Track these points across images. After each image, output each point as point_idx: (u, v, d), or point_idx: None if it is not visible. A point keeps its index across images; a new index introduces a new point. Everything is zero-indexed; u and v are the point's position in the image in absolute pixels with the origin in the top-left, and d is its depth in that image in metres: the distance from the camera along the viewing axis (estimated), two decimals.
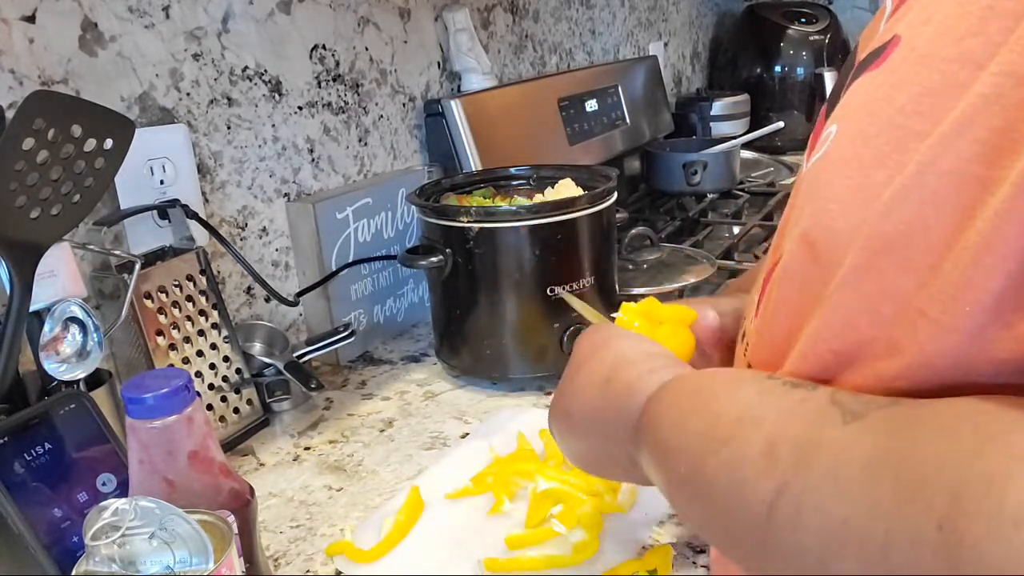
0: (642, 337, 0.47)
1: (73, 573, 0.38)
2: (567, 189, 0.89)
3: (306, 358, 0.84)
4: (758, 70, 1.95)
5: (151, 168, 0.76)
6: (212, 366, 0.76)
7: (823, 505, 0.27)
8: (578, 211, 0.81)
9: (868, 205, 0.30)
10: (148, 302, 0.71)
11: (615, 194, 0.86)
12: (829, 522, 0.26)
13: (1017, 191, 0.25)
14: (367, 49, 1.02)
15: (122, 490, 0.53)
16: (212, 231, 0.78)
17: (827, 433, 0.28)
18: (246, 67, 0.87)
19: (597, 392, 0.44)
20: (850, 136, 0.33)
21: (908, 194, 0.28)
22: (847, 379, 0.31)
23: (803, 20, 1.93)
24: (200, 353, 0.75)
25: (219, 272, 0.85)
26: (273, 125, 0.91)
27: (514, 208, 0.81)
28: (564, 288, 0.80)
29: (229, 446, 0.76)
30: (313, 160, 0.96)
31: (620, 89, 1.48)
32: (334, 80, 0.98)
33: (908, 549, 0.24)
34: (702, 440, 0.33)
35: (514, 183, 0.98)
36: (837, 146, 0.33)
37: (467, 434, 0.77)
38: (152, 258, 0.73)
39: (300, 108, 0.94)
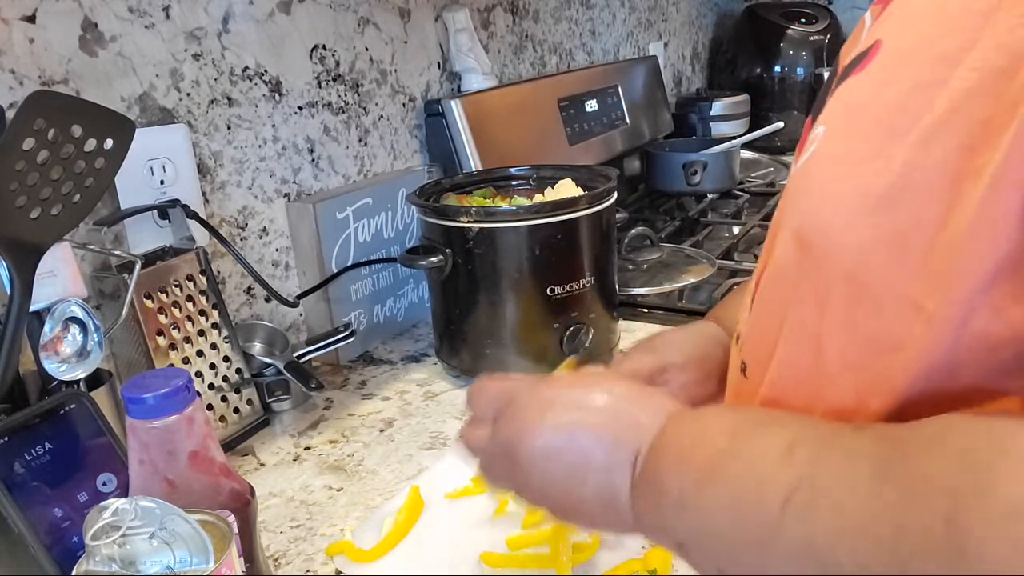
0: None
1: (73, 573, 0.38)
2: (567, 189, 0.89)
3: (306, 358, 0.84)
4: (758, 70, 1.95)
5: (151, 168, 0.76)
6: (212, 366, 0.76)
7: (836, 499, 0.27)
8: (578, 211, 0.81)
9: (859, 199, 0.30)
10: (148, 302, 0.71)
11: (615, 194, 0.86)
12: (841, 516, 0.27)
13: (999, 179, 0.26)
14: (367, 49, 1.02)
15: (122, 490, 0.53)
16: (212, 231, 0.78)
17: (840, 437, 0.30)
18: (246, 67, 0.87)
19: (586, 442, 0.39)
20: (838, 135, 0.33)
21: (897, 188, 0.29)
22: (848, 380, 0.31)
23: (803, 20, 1.93)
24: (200, 353, 0.75)
25: (219, 272, 0.85)
26: (273, 125, 0.91)
27: (514, 208, 0.81)
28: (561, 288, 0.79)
29: (229, 446, 0.76)
30: (313, 160, 0.96)
31: (620, 89, 1.48)
32: (334, 80, 0.98)
33: (918, 543, 0.25)
34: (724, 442, 0.34)
35: (514, 183, 0.98)
36: (826, 145, 0.34)
37: None
38: (152, 258, 0.73)
39: (300, 108, 0.94)
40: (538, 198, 0.90)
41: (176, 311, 0.73)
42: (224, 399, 0.77)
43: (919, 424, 0.28)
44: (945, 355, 0.28)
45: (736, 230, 1.30)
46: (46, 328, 0.58)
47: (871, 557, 0.26)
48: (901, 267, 0.29)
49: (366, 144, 1.04)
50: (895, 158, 0.29)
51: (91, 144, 0.56)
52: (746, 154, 1.70)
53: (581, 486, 0.38)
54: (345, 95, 1.00)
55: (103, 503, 0.38)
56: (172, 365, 0.72)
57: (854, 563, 0.26)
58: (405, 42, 1.08)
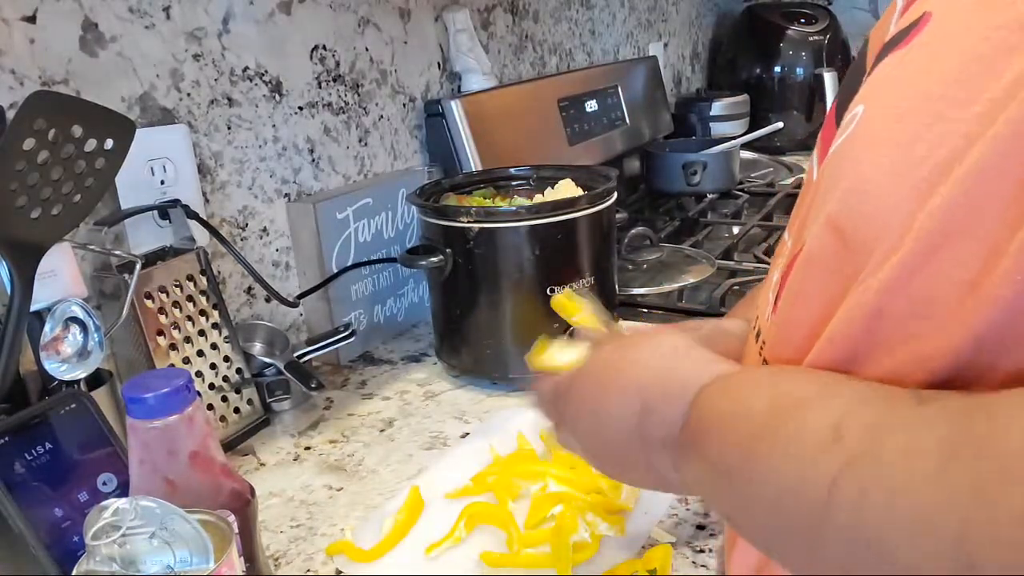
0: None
1: (74, 573, 0.38)
2: (567, 189, 0.89)
3: (306, 358, 0.84)
4: (757, 70, 1.95)
5: (152, 168, 0.76)
6: (213, 366, 0.76)
7: (892, 487, 0.24)
8: (578, 211, 0.81)
9: (904, 184, 0.28)
10: (149, 302, 0.71)
11: (615, 194, 0.86)
12: (898, 507, 0.24)
13: None
14: (367, 49, 1.02)
15: (123, 490, 0.53)
16: (212, 231, 0.78)
17: (900, 412, 0.26)
18: (246, 67, 0.87)
19: (637, 386, 0.41)
20: (879, 115, 0.31)
21: (955, 166, 0.26)
22: (879, 360, 0.29)
23: (802, 20, 1.93)
24: (200, 353, 0.75)
25: (219, 272, 0.85)
26: (273, 125, 0.91)
27: (514, 208, 0.81)
28: (561, 288, 0.80)
29: (229, 446, 0.76)
30: (313, 160, 0.96)
31: (620, 89, 1.48)
32: (334, 80, 0.98)
33: (987, 543, 0.22)
34: (763, 417, 0.31)
35: (514, 183, 0.98)
36: (865, 126, 0.31)
37: (467, 434, 0.77)
38: (153, 258, 0.73)
39: (300, 108, 0.94)
40: (538, 198, 0.90)
41: (176, 311, 0.73)
42: (224, 399, 0.77)
43: (992, 399, 0.24)
44: (994, 339, 0.25)
45: (736, 230, 1.30)
46: (46, 328, 0.58)
47: (933, 552, 0.23)
48: (959, 249, 0.26)
49: (366, 144, 1.04)
50: (947, 136, 0.27)
51: (91, 144, 0.56)
52: (746, 154, 1.70)
53: (632, 429, 0.40)
54: (345, 95, 1.00)
55: (103, 503, 0.38)
56: (172, 365, 0.72)
57: (912, 558, 0.23)
58: (405, 42, 1.08)
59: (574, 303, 0.56)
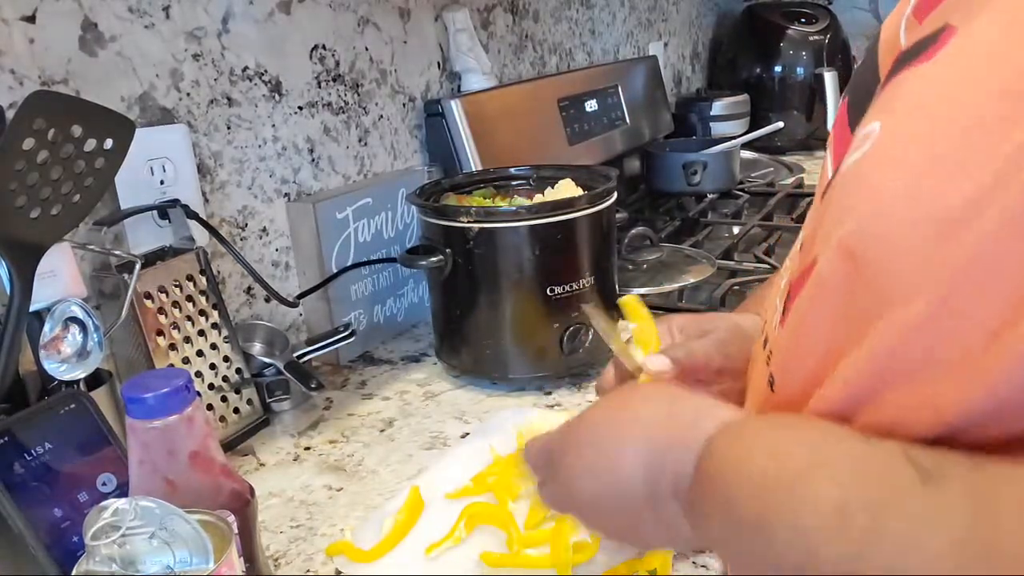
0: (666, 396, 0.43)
1: (73, 573, 0.38)
2: (567, 189, 0.89)
3: (306, 358, 0.84)
4: (758, 70, 1.95)
5: (151, 168, 0.76)
6: (212, 366, 0.76)
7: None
8: (578, 211, 0.81)
9: (926, 218, 0.26)
10: (148, 302, 0.71)
11: (615, 194, 0.86)
12: None
13: None
14: (367, 49, 1.02)
15: (122, 490, 0.53)
16: (212, 231, 0.78)
17: (905, 498, 0.26)
18: (246, 67, 0.87)
19: (638, 443, 0.40)
20: (901, 136, 0.29)
21: (981, 207, 0.25)
22: (890, 402, 0.29)
23: (803, 20, 1.93)
24: (200, 353, 0.75)
25: (219, 272, 0.85)
26: (273, 125, 0.91)
27: (514, 208, 0.81)
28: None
29: (229, 446, 0.76)
30: (313, 160, 0.96)
31: (620, 89, 1.48)
32: (334, 80, 0.98)
33: None
34: (770, 487, 0.30)
35: (514, 183, 0.98)
36: (884, 146, 0.30)
37: (467, 434, 0.77)
38: (152, 258, 0.73)
39: (300, 108, 0.94)
40: (538, 198, 0.90)
41: (176, 311, 0.73)
42: (224, 399, 0.77)
43: (1002, 486, 0.24)
44: (1015, 391, 0.24)
45: (736, 230, 1.30)
46: (46, 328, 0.58)
47: None
48: (982, 293, 0.25)
49: (366, 144, 1.04)
50: (983, 170, 0.25)
51: (91, 144, 0.56)
52: (746, 154, 1.70)
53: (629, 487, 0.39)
54: (345, 95, 1.00)
55: (103, 503, 0.38)
56: (172, 365, 0.72)
57: None
58: (405, 42, 1.08)
59: (640, 309, 0.56)
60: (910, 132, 0.29)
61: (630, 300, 0.57)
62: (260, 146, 0.89)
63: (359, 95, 1.02)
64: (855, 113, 0.36)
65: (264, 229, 0.91)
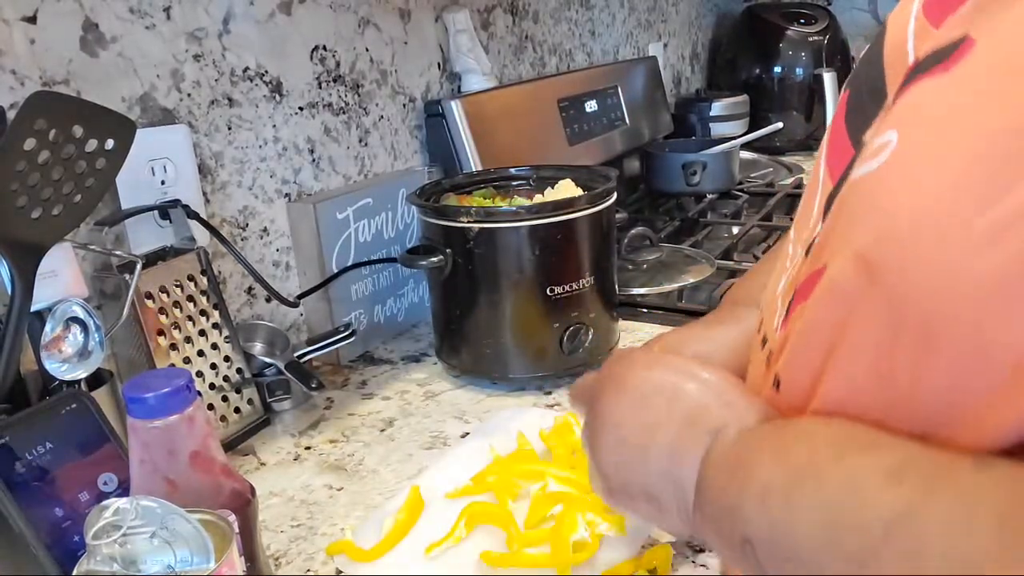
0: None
1: (74, 573, 0.39)
2: (567, 189, 0.89)
3: (307, 358, 0.84)
4: (757, 71, 1.95)
5: (152, 168, 0.76)
6: (213, 366, 0.76)
7: (945, 547, 0.24)
8: (578, 211, 0.81)
9: (950, 234, 0.26)
10: (149, 302, 0.71)
11: (615, 194, 0.86)
12: (950, 567, 0.24)
13: None
14: (367, 50, 1.02)
15: (123, 490, 0.53)
16: (213, 231, 0.78)
17: (958, 472, 0.26)
18: (247, 68, 0.87)
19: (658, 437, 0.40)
20: (921, 149, 0.29)
21: (1009, 230, 0.24)
22: (912, 427, 0.29)
23: (802, 21, 1.93)
24: (201, 353, 0.75)
25: (220, 272, 0.85)
26: (274, 126, 0.91)
27: (514, 208, 0.81)
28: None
29: (230, 446, 0.76)
30: (314, 160, 0.96)
31: (620, 90, 1.48)
32: (335, 81, 0.98)
33: None
34: (828, 451, 0.30)
35: (514, 183, 0.98)
36: (903, 159, 0.29)
37: (467, 434, 0.77)
38: (153, 258, 0.73)
39: (301, 109, 0.94)
40: (538, 198, 0.90)
41: (177, 311, 0.73)
42: (225, 399, 0.77)
43: None
44: None
45: (735, 230, 1.30)
46: (47, 328, 0.58)
47: None
48: (1010, 316, 0.25)
49: (366, 144, 1.04)
50: (1013, 194, 0.24)
51: (92, 144, 0.56)
52: (745, 154, 1.70)
53: (651, 439, 0.39)
54: (345, 96, 1.00)
55: (104, 503, 0.38)
56: (173, 365, 0.72)
57: None
58: (405, 43, 1.08)
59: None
60: (929, 145, 0.28)
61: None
62: (261, 146, 0.89)
63: (359, 96, 1.02)
64: (856, 115, 0.36)
65: (265, 229, 0.91)
